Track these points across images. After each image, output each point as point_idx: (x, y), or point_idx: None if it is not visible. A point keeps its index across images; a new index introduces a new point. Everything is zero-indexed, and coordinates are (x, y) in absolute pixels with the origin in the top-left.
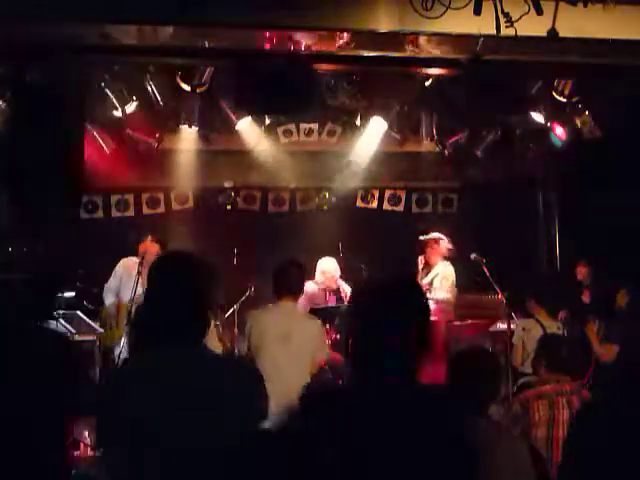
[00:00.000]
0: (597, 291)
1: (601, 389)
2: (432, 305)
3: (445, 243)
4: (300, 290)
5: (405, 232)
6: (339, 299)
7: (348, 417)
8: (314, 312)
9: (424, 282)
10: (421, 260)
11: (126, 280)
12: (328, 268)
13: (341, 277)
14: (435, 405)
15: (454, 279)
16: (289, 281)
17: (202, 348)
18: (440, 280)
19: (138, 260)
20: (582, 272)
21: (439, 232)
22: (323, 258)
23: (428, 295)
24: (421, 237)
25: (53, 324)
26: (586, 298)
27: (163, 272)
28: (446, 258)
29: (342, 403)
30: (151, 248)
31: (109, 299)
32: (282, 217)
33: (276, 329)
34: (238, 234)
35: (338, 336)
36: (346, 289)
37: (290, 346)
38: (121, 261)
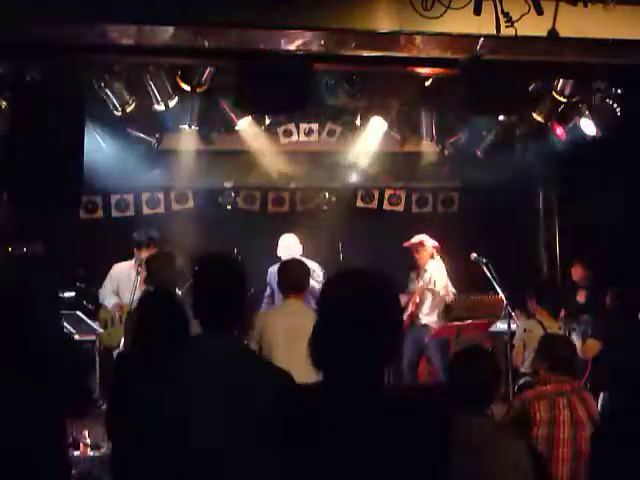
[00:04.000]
0: (593, 291)
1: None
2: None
3: (430, 244)
4: (305, 287)
5: (405, 232)
6: None
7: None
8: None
9: (419, 285)
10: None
11: (125, 283)
12: (288, 242)
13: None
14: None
15: (445, 274)
16: (294, 279)
17: None
18: (433, 281)
19: (136, 263)
20: (577, 272)
21: (439, 232)
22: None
23: (428, 296)
24: (405, 244)
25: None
26: (581, 298)
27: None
28: (433, 257)
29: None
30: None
31: (108, 302)
32: (282, 217)
33: (289, 328)
34: (238, 234)
35: None
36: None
37: (302, 344)
38: (115, 266)
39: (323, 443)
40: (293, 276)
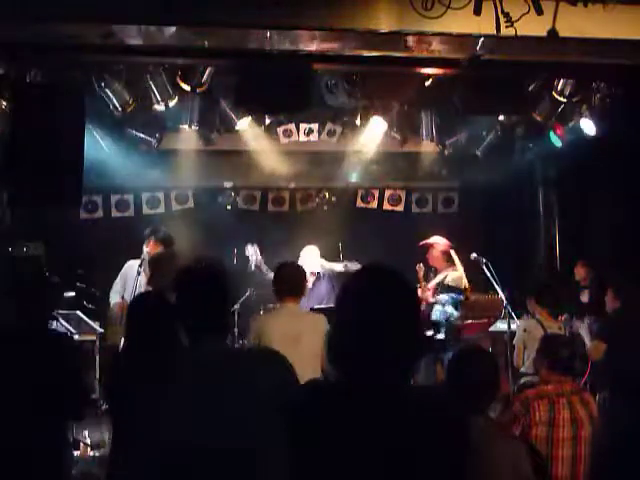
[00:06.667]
0: (595, 291)
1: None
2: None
3: (441, 246)
4: (302, 291)
5: (405, 232)
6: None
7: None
8: (317, 311)
9: (429, 286)
10: (420, 266)
11: (132, 281)
12: (312, 251)
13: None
14: (429, 406)
15: (465, 279)
16: (291, 282)
17: None
18: (451, 281)
19: (139, 261)
20: (580, 272)
21: (439, 232)
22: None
23: (437, 297)
24: (420, 243)
25: (53, 324)
26: (584, 298)
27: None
28: (449, 259)
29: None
30: (154, 249)
31: (114, 299)
32: (282, 217)
33: (285, 331)
34: (238, 234)
35: None
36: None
37: (301, 347)
38: (127, 263)
39: (332, 442)
40: (291, 280)
